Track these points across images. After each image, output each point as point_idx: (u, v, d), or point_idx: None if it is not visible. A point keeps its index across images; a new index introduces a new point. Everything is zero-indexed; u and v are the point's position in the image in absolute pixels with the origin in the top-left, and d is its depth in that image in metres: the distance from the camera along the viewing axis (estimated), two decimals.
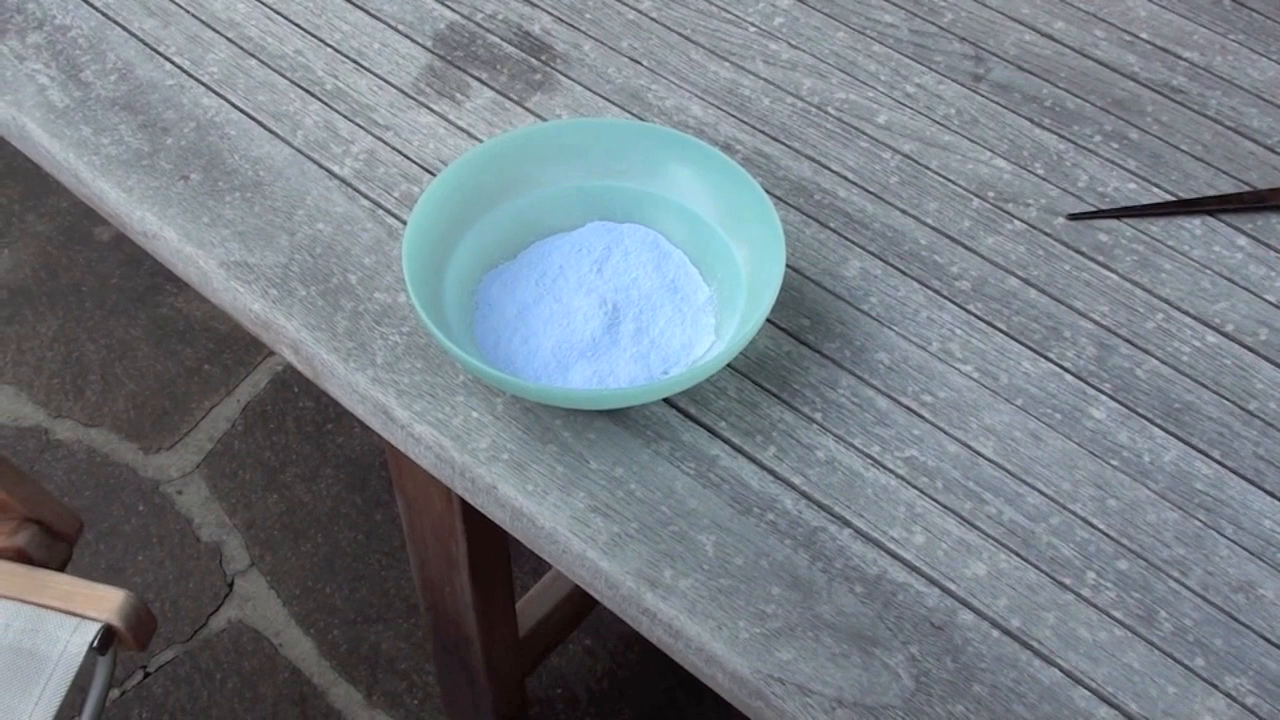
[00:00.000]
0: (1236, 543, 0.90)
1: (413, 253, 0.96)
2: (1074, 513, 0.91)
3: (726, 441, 0.94)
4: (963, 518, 0.91)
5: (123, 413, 2.20)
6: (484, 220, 1.02)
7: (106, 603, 1.34)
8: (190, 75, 1.16)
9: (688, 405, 0.96)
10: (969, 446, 0.94)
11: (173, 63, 1.17)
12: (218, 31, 1.20)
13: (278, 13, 1.21)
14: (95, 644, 1.32)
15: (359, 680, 1.92)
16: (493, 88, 1.15)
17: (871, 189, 1.09)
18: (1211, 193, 1.09)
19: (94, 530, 2.07)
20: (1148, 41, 1.20)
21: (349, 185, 1.08)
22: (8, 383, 2.24)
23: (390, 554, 2.01)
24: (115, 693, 1.89)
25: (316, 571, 2.02)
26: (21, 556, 1.40)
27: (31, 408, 2.21)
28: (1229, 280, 1.04)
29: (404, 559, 1.98)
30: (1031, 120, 1.14)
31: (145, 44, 1.19)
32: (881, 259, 1.05)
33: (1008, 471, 0.93)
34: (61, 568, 1.42)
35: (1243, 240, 1.07)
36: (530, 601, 1.69)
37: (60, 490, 2.10)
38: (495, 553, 1.43)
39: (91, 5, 1.21)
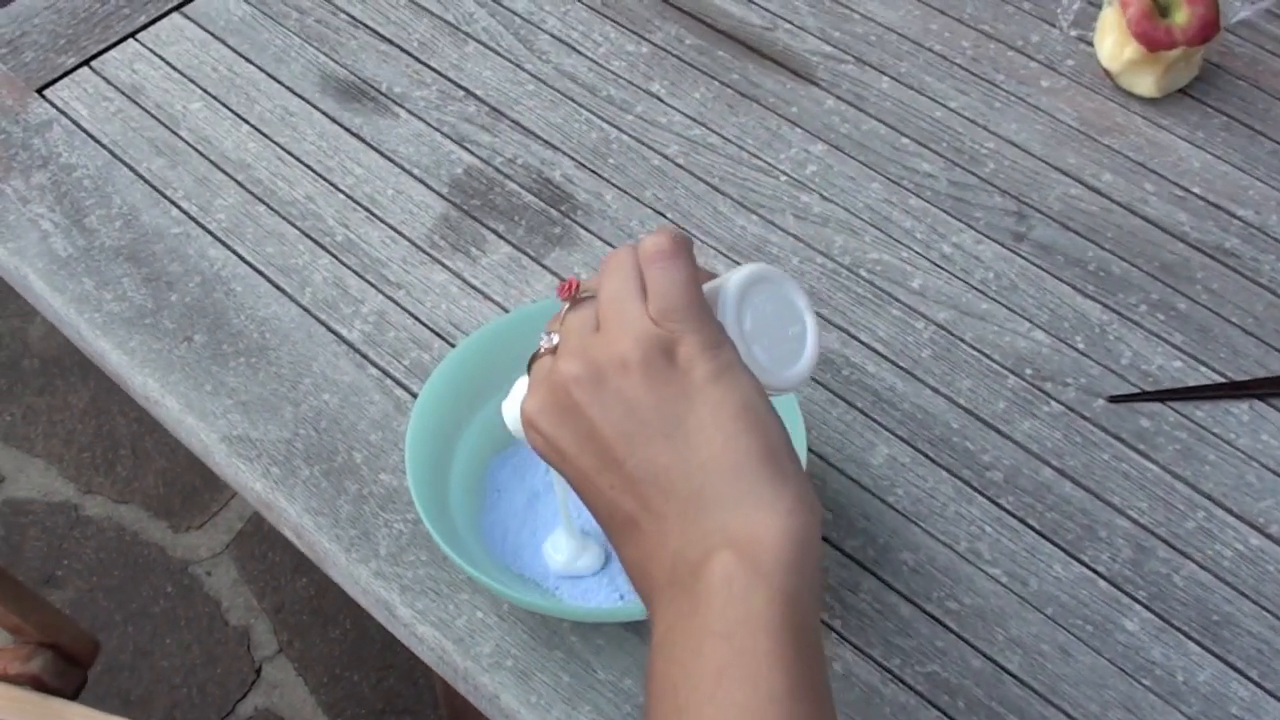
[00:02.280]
0: None
1: (417, 446, 0.92)
2: None
3: None
4: None
5: (153, 489, 2.18)
6: (493, 401, 0.98)
7: None
8: (197, 222, 1.12)
9: None
10: (994, 661, 0.90)
11: (180, 208, 1.13)
12: (227, 174, 1.16)
13: (289, 153, 1.17)
14: None
15: None
16: (509, 241, 1.11)
17: (903, 363, 1.04)
18: (1261, 372, 1.04)
19: (122, 612, 2.04)
20: (1200, 197, 1.14)
21: (357, 351, 1.04)
22: (38, 455, 2.21)
23: None
24: None
25: (345, 659, 1.99)
26: (36, 683, 1.38)
27: (62, 482, 2.19)
28: (1275, 474, 0.99)
29: None
30: (1074, 287, 1.08)
31: (152, 186, 1.15)
32: (911, 444, 1.00)
33: (1034, 690, 0.89)
34: (76, 694, 1.40)
35: None
36: None
37: (89, 569, 2.08)
38: None
39: (99, 142, 1.18)
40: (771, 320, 0.74)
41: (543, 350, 0.73)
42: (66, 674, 1.41)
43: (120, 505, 2.16)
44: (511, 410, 0.83)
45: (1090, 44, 1.24)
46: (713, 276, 0.75)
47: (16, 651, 1.40)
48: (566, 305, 0.74)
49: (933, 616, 0.92)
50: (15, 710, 1.33)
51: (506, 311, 1.06)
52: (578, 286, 0.75)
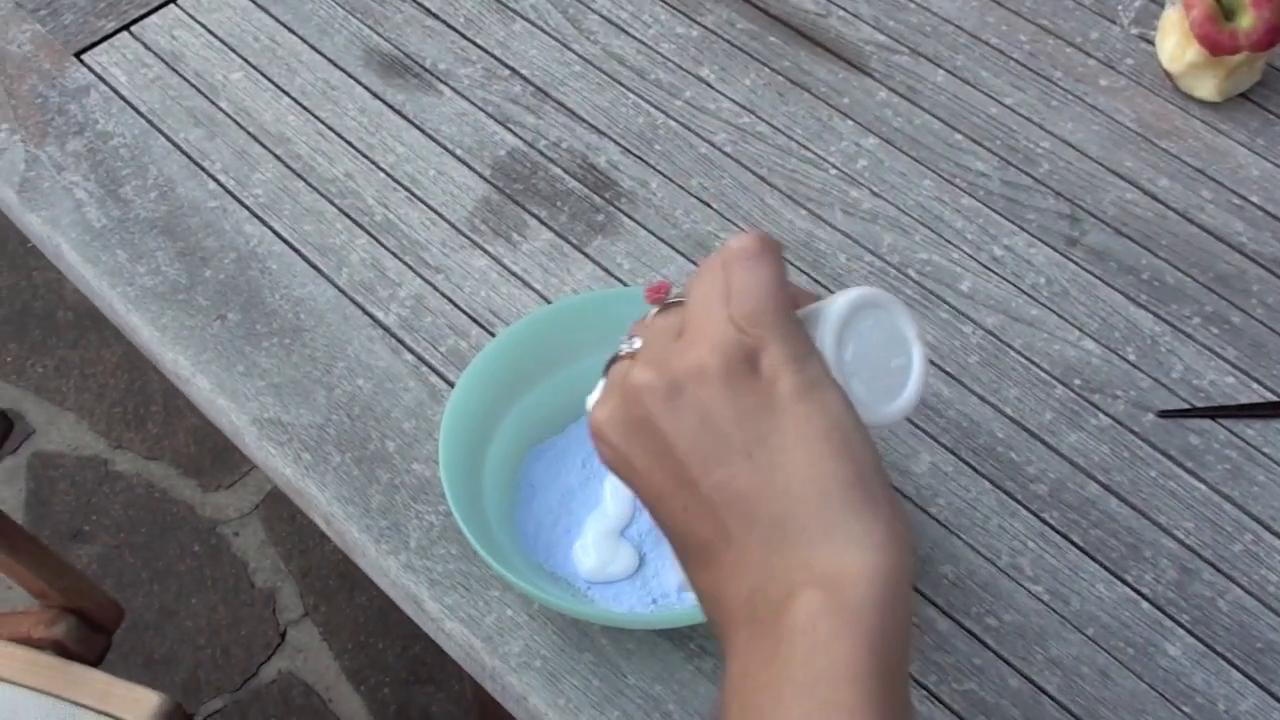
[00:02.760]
0: None
1: (451, 437, 0.91)
2: None
3: None
4: None
5: (183, 447, 2.17)
6: (531, 394, 0.96)
7: (142, 705, 1.31)
8: (234, 196, 1.11)
9: None
10: (1032, 681, 0.88)
11: (217, 180, 1.12)
12: (266, 147, 1.14)
13: (330, 128, 1.15)
14: None
15: None
16: (551, 228, 1.09)
17: (949, 369, 1.02)
18: None
19: (149, 570, 2.04)
20: (1258, 206, 1.11)
21: (393, 335, 1.02)
22: (69, 409, 2.21)
23: None
24: None
25: (370, 626, 1.98)
26: (59, 648, 1.37)
27: (92, 437, 2.18)
28: None
29: None
30: (1126, 295, 1.06)
31: (189, 158, 1.13)
32: (954, 453, 0.98)
33: (1072, 714, 0.87)
34: (99, 659, 1.39)
35: None
36: None
37: (117, 525, 2.07)
38: None
39: (136, 110, 1.16)
40: (875, 350, 0.68)
41: (622, 354, 0.69)
42: (90, 640, 1.40)
43: (150, 462, 2.16)
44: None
45: (1151, 43, 1.21)
46: (814, 299, 0.70)
47: (40, 615, 1.39)
48: (654, 309, 0.70)
49: (971, 633, 0.90)
50: (37, 676, 1.32)
51: (547, 301, 1.04)
52: (668, 290, 0.71)
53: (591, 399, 0.77)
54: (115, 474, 2.14)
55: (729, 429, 0.62)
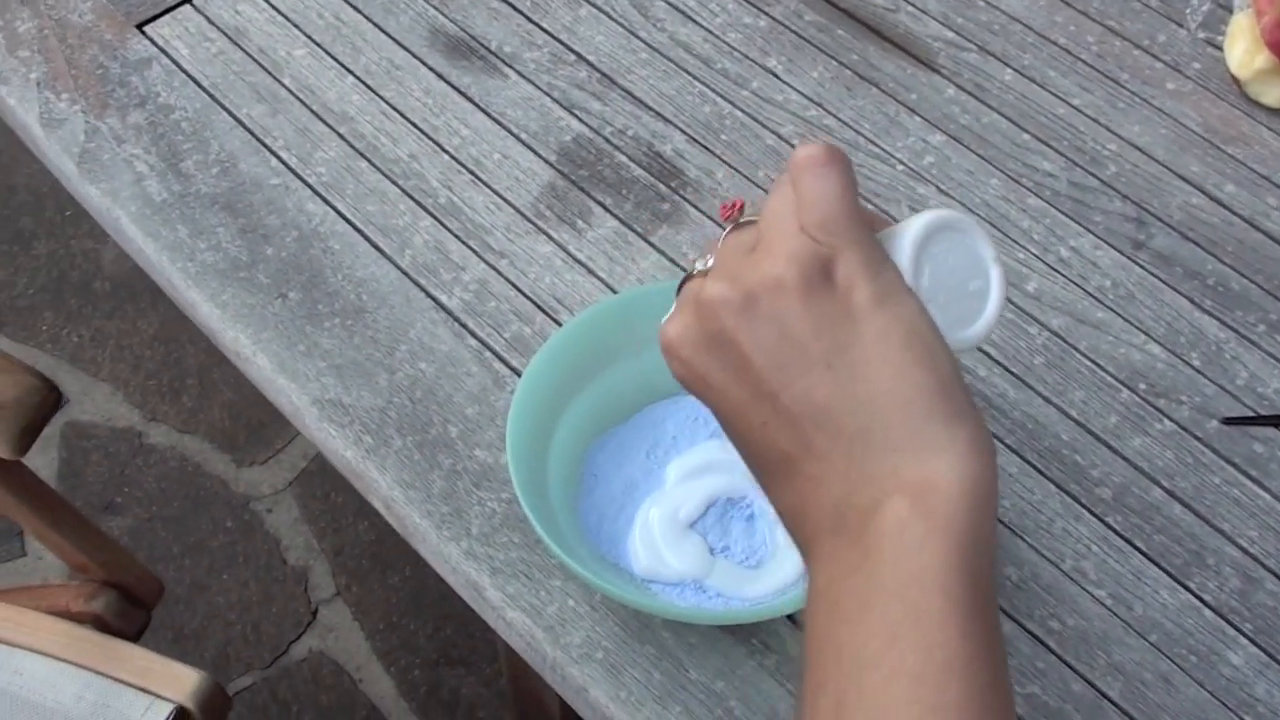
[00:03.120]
0: None
1: (518, 424, 0.90)
2: None
3: None
4: None
5: (218, 422, 2.17)
6: (595, 384, 0.96)
7: (182, 683, 1.30)
8: (297, 175, 1.10)
9: (799, 612, 0.89)
10: (1095, 687, 0.88)
11: (279, 158, 1.11)
12: (329, 125, 1.13)
13: (394, 109, 1.15)
14: None
15: None
16: (617, 216, 1.08)
17: (1014, 369, 1.01)
18: None
19: (180, 544, 2.04)
20: None
21: (456, 319, 1.02)
22: (104, 379, 2.21)
23: None
24: None
25: (402, 606, 1.98)
26: (99, 622, 1.36)
27: (127, 408, 2.18)
28: None
29: None
30: (1192, 300, 1.05)
31: (252, 134, 1.13)
32: (1019, 454, 0.97)
33: None
34: (138, 635, 1.39)
35: None
36: None
37: (149, 498, 2.07)
38: None
39: (198, 84, 1.16)
40: (952, 274, 0.66)
41: (695, 273, 0.67)
42: (129, 614, 1.40)
43: (184, 435, 2.15)
44: None
45: (1218, 48, 1.21)
46: (887, 224, 0.68)
47: (80, 589, 1.39)
48: (727, 228, 0.68)
49: (1034, 636, 0.90)
50: (74, 650, 1.31)
51: (611, 289, 1.04)
52: (742, 207, 0.69)
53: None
54: (149, 446, 2.14)
55: (807, 339, 0.61)
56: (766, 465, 0.64)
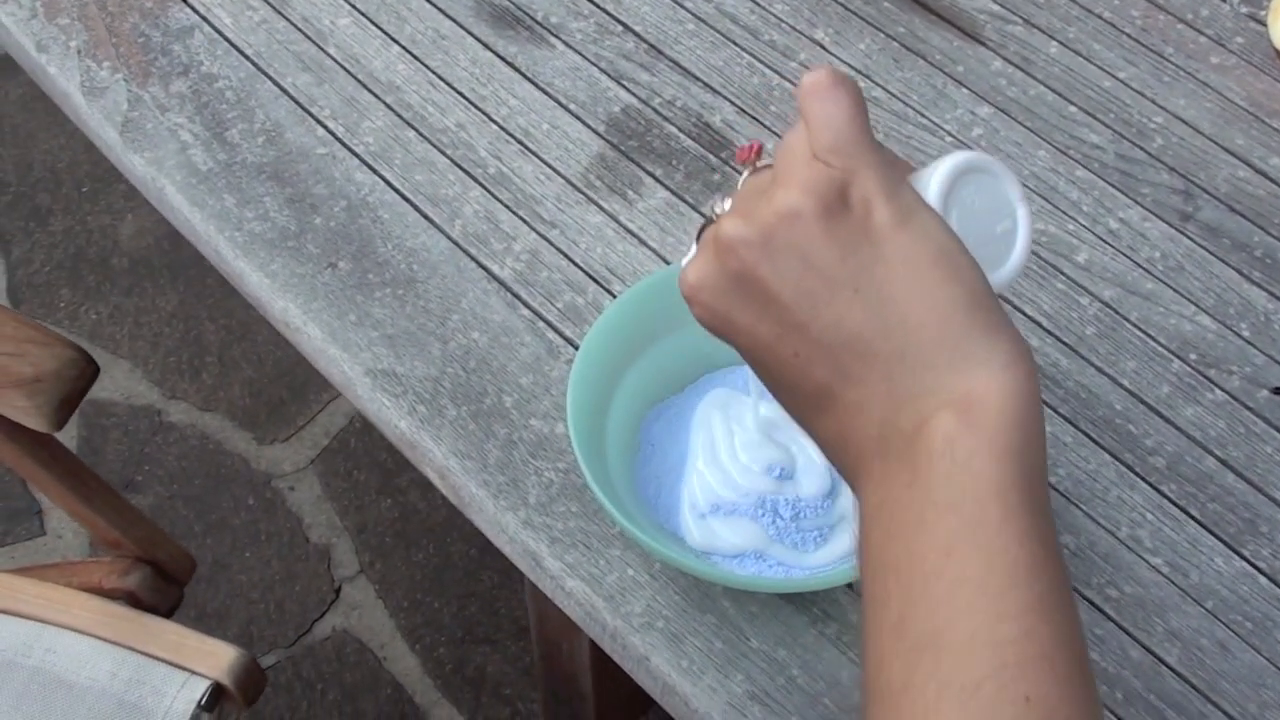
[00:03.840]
0: None
1: (579, 393, 0.90)
2: None
3: None
4: None
5: (238, 399, 2.16)
6: (650, 354, 0.96)
7: (217, 659, 1.30)
8: (344, 144, 1.10)
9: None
10: (1153, 653, 0.88)
11: (326, 127, 1.11)
12: (376, 95, 1.13)
13: (441, 78, 1.14)
14: (203, 701, 1.28)
15: (462, 703, 1.88)
16: (667, 186, 1.08)
17: (1067, 340, 1.01)
18: None
19: (202, 522, 2.03)
20: None
21: (508, 289, 1.02)
22: (123, 357, 2.20)
23: (503, 572, 1.96)
24: None
25: (426, 584, 1.98)
26: (132, 599, 1.36)
27: (146, 386, 2.17)
28: None
29: (517, 579, 1.94)
30: (1240, 272, 1.05)
31: (298, 103, 1.12)
32: (1073, 424, 0.97)
33: (1192, 686, 0.87)
34: (171, 611, 1.38)
35: None
36: None
37: (170, 476, 2.07)
38: None
39: (241, 53, 1.15)
40: (979, 216, 0.66)
41: (714, 216, 0.66)
42: (162, 591, 1.39)
43: (204, 413, 2.15)
44: None
45: (1260, 23, 1.21)
46: (911, 168, 0.67)
47: (113, 565, 1.38)
48: (745, 171, 0.67)
49: (1092, 603, 0.90)
50: (109, 626, 1.31)
51: (664, 259, 1.04)
52: (760, 150, 0.68)
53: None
54: (169, 424, 2.14)
55: (831, 266, 0.60)
56: (803, 399, 0.64)
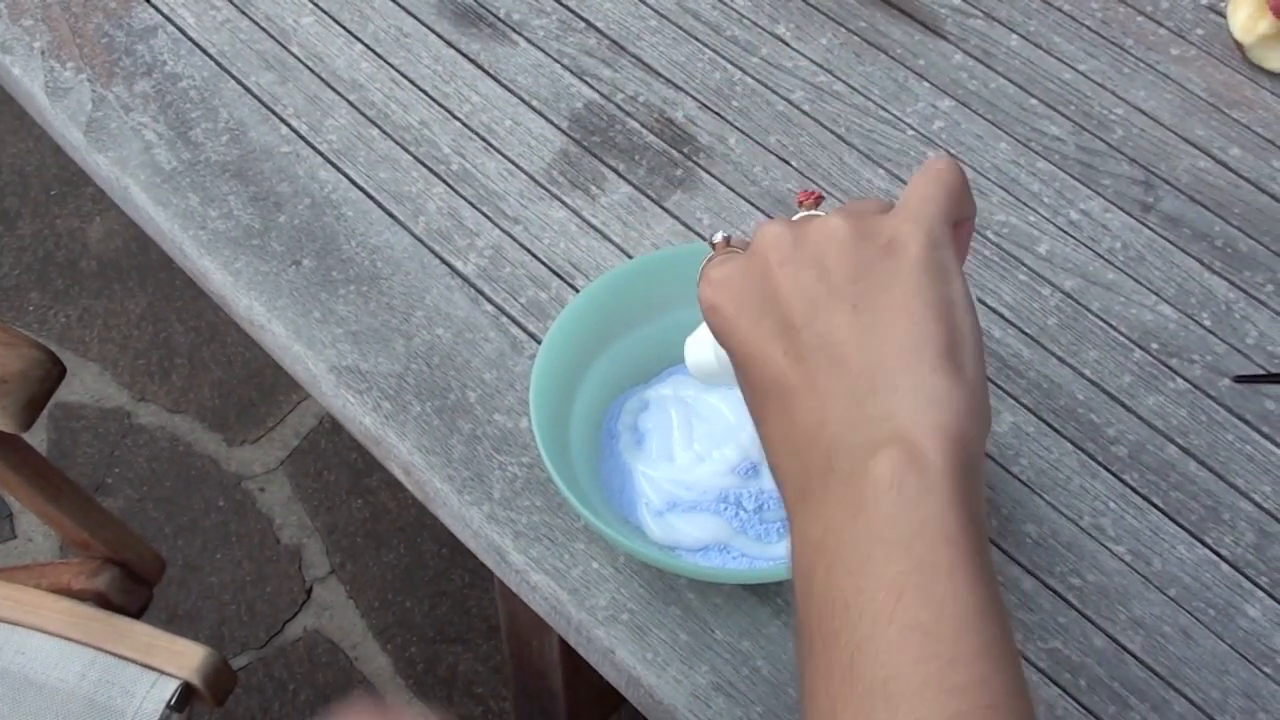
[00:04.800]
0: None
1: (541, 387, 0.90)
2: None
3: None
4: None
5: (208, 400, 2.16)
6: (614, 348, 0.96)
7: (186, 659, 1.30)
8: (307, 142, 1.10)
9: None
10: (1116, 641, 0.88)
11: (289, 126, 1.11)
12: (339, 93, 1.13)
13: (404, 76, 1.15)
14: (173, 701, 1.28)
15: (434, 702, 1.88)
16: (630, 181, 1.08)
17: (1029, 330, 1.02)
18: None
19: (172, 524, 2.03)
20: None
21: (472, 285, 1.02)
22: (93, 359, 2.20)
23: (474, 571, 1.96)
24: None
25: (397, 584, 1.98)
26: (101, 600, 1.36)
27: (115, 388, 2.17)
28: None
29: (488, 578, 1.93)
30: (1201, 262, 1.06)
31: (261, 102, 1.13)
32: (1035, 414, 0.98)
33: (1155, 673, 0.87)
34: (140, 612, 1.38)
35: None
36: None
37: (140, 478, 2.07)
38: None
39: (205, 53, 1.15)
40: None
41: (713, 244, 0.73)
42: (132, 591, 1.39)
43: (174, 415, 2.15)
44: (695, 350, 0.81)
45: (1220, 14, 1.21)
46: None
47: (82, 566, 1.38)
48: (801, 212, 0.70)
49: (1055, 592, 0.90)
50: (78, 627, 1.31)
51: (627, 254, 1.04)
52: (819, 200, 0.72)
53: (691, 340, 0.80)
54: (139, 426, 2.13)
55: (842, 282, 0.63)
56: (768, 397, 0.65)
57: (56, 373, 1.25)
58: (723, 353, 0.71)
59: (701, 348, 0.80)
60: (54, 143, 1.16)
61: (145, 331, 2.23)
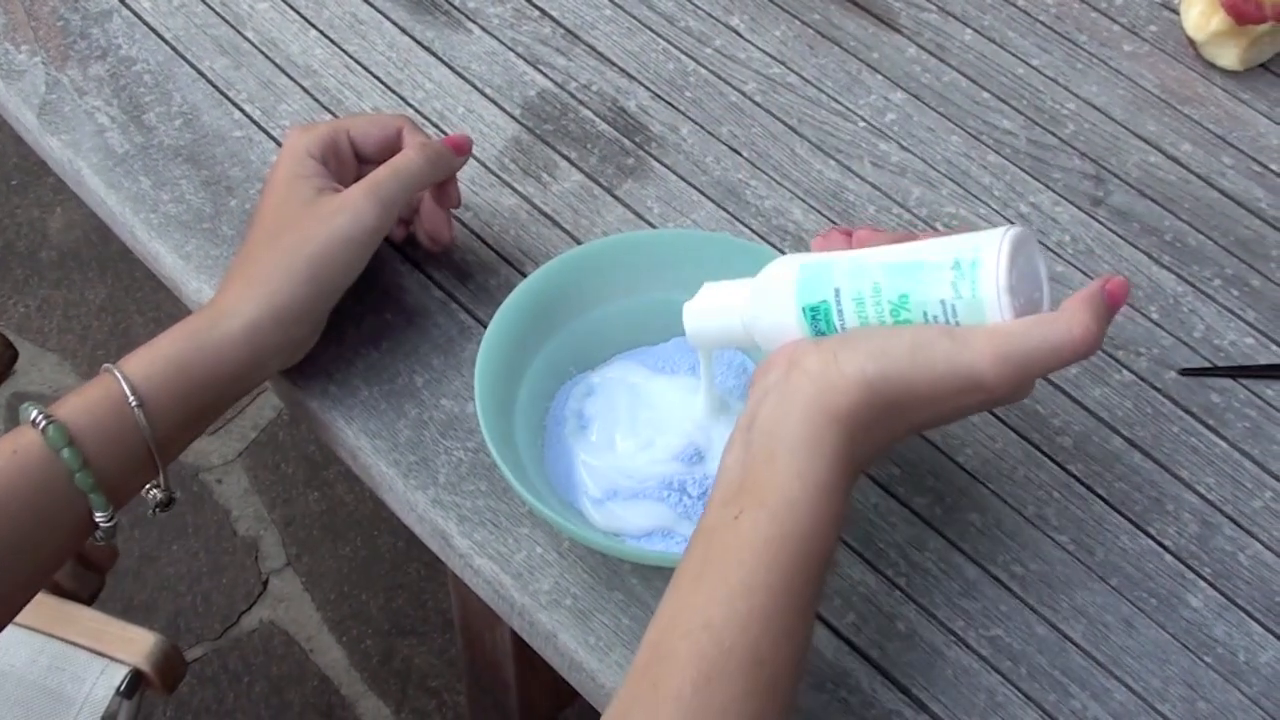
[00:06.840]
0: None
1: (486, 372, 0.91)
2: (1162, 715, 0.86)
3: None
4: (1045, 711, 0.85)
5: None
6: (560, 334, 0.96)
7: (136, 645, 1.30)
8: (260, 127, 1.10)
9: None
10: (1058, 629, 0.89)
11: (243, 110, 1.11)
12: (293, 79, 1.13)
13: (358, 62, 1.15)
14: (122, 688, 1.28)
15: (389, 694, 1.88)
16: (582, 170, 1.09)
17: None
18: None
19: (128, 514, 2.00)
20: (1278, 174, 1.12)
21: (421, 271, 1.02)
22: (51, 349, 2.19)
23: (429, 565, 1.96)
24: None
25: (353, 576, 1.98)
26: (52, 586, 1.35)
27: (74, 379, 2.16)
28: None
29: (443, 572, 1.93)
30: (1150, 255, 1.07)
31: (215, 86, 1.12)
32: None
33: (1096, 661, 0.88)
34: (92, 599, 1.38)
35: None
36: None
37: None
38: None
39: (160, 37, 1.15)
40: (1024, 280, 0.76)
41: None
42: (82, 578, 1.38)
43: None
44: (697, 312, 0.87)
45: (1173, 11, 1.22)
46: (913, 237, 0.80)
47: None
48: None
49: (998, 580, 0.91)
50: (29, 613, 1.29)
51: (577, 241, 1.04)
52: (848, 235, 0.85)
53: (692, 304, 0.87)
54: None
55: (791, 394, 0.78)
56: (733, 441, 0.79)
57: (8, 357, 1.25)
58: (753, 321, 0.84)
59: (718, 312, 0.86)
60: (14, 132, 1.16)
61: (105, 322, 2.22)
